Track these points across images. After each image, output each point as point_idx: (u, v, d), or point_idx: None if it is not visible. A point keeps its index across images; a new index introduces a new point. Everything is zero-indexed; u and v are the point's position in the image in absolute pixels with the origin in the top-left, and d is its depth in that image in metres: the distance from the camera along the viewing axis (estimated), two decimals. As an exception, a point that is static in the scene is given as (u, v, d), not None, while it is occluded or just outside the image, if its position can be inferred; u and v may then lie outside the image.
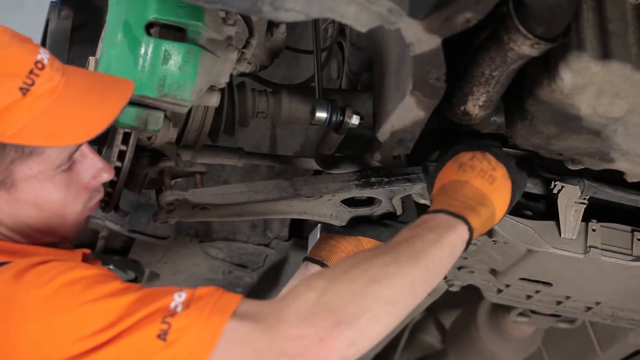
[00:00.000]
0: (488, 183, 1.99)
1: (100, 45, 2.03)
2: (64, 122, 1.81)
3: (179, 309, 1.64)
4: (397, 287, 1.71)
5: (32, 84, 1.76)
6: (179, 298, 1.65)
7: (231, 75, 2.11)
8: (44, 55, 1.79)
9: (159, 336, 1.61)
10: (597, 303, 2.70)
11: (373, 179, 2.19)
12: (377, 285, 1.69)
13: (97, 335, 1.61)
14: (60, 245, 1.95)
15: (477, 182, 1.99)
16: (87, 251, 1.97)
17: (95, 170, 1.93)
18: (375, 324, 1.67)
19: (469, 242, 1.90)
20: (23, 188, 1.84)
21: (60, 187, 1.88)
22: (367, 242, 2.31)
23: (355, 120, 2.16)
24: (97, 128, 1.83)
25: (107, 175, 1.94)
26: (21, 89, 1.76)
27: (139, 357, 1.61)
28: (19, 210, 1.86)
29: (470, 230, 1.88)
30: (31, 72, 1.76)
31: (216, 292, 1.68)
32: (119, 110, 1.84)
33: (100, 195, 2.00)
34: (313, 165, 2.37)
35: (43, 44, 3.45)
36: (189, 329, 1.62)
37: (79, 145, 1.89)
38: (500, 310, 3.67)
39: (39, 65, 1.78)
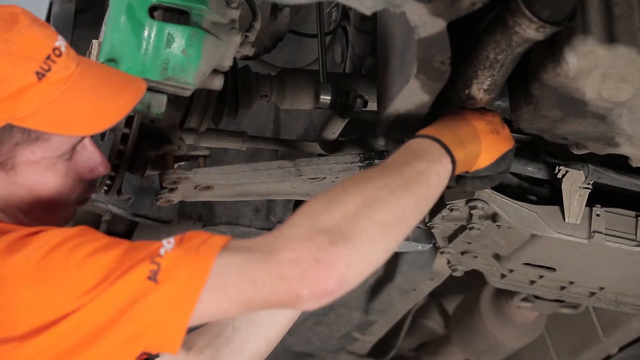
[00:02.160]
0: (489, 131, 1.99)
1: (103, 28, 2.03)
2: (75, 112, 1.80)
3: (169, 251, 1.63)
4: (389, 210, 1.71)
5: (49, 70, 1.76)
6: (168, 245, 1.64)
7: (235, 58, 2.10)
8: (61, 42, 1.79)
9: (149, 278, 1.60)
10: (601, 288, 2.69)
11: (377, 161, 2.19)
12: (370, 209, 1.69)
13: (92, 291, 1.61)
14: None
15: (479, 125, 1.98)
16: None
17: (94, 164, 1.92)
18: (372, 246, 1.67)
19: (452, 175, 1.88)
20: (22, 172, 1.84)
21: (59, 176, 1.88)
22: None
23: (359, 103, 2.16)
24: (107, 122, 1.83)
25: (103, 170, 1.94)
26: (37, 73, 1.76)
27: (130, 301, 1.60)
28: (12, 193, 1.85)
29: (454, 162, 1.87)
30: (48, 57, 1.76)
31: (205, 233, 1.67)
32: (130, 108, 1.84)
33: (92, 192, 2.00)
34: (317, 149, 2.36)
35: (46, 26, 3.44)
36: (179, 267, 1.61)
37: (84, 137, 1.89)
38: (503, 295, 3.68)
39: (57, 52, 1.78)
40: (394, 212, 1.72)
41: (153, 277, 1.60)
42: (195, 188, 2.14)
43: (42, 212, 1.89)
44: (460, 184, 2.08)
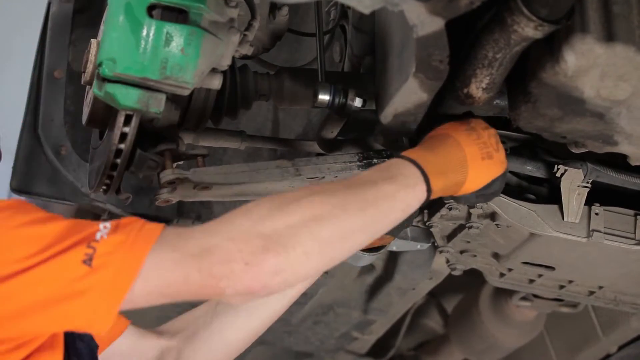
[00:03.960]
0: (480, 157, 1.98)
1: (102, 27, 2.03)
2: None
3: (105, 236, 1.67)
4: (335, 230, 1.72)
5: None
6: (104, 229, 1.67)
7: (233, 57, 2.10)
8: None
9: (84, 261, 1.63)
10: (600, 287, 2.70)
11: (375, 161, 2.18)
12: (315, 224, 1.71)
13: (27, 259, 1.63)
14: None
15: (469, 150, 1.97)
16: None
17: None
18: (306, 261, 1.69)
19: (427, 200, 1.89)
20: None
21: None
22: None
23: (357, 102, 2.16)
24: None
25: None
26: None
27: (63, 282, 1.63)
28: None
29: (429, 191, 1.88)
30: None
31: (140, 220, 1.71)
32: None
33: None
34: (316, 148, 2.36)
35: (44, 26, 3.45)
36: (114, 254, 1.64)
37: None
38: (502, 294, 3.68)
39: None
40: (341, 231, 1.74)
41: (88, 261, 1.63)
42: (194, 188, 2.14)
43: None
44: (455, 199, 2.09)
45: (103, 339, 2.18)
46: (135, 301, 1.67)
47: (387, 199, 1.81)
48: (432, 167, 1.90)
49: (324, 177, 2.18)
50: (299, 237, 1.69)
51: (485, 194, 2.03)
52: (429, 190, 1.87)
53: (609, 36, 1.82)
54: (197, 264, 1.65)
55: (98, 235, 1.66)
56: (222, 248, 1.66)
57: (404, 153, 1.93)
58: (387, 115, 2.06)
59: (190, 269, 1.65)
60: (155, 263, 1.65)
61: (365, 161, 2.19)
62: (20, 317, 1.65)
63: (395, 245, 2.68)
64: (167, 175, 2.11)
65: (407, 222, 2.27)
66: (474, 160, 1.97)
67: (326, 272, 2.72)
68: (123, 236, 1.67)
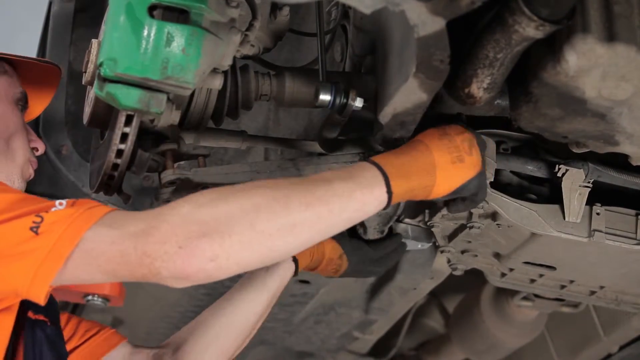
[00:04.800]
0: (450, 160, 1.99)
1: (102, 27, 2.03)
2: None
3: (58, 210, 1.77)
4: (274, 222, 1.75)
5: None
6: (59, 205, 1.78)
7: (234, 57, 2.10)
8: None
9: (31, 228, 1.74)
10: (601, 287, 2.69)
11: None
12: (255, 214, 1.74)
13: None
14: None
15: (439, 154, 1.99)
16: None
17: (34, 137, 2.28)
18: (243, 249, 1.72)
19: (387, 205, 1.90)
20: None
21: (18, 117, 2.22)
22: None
23: (358, 102, 2.16)
24: None
25: (40, 150, 2.26)
26: None
27: (9, 245, 1.73)
28: None
29: (390, 193, 1.89)
30: None
31: (94, 202, 1.80)
32: None
33: (31, 171, 2.24)
34: (317, 148, 2.36)
35: (46, 26, 3.45)
36: (57, 224, 1.73)
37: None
38: (503, 294, 3.68)
39: None
40: (281, 225, 1.76)
41: (35, 228, 1.73)
42: (195, 187, 2.14)
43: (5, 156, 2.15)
44: (447, 207, 2.13)
45: (96, 350, 2.26)
46: (75, 273, 1.74)
47: (340, 197, 1.83)
48: (394, 170, 1.92)
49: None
50: (236, 226, 1.72)
51: (464, 196, 2.05)
52: (389, 192, 1.89)
53: (610, 36, 1.81)
54: (134, 242, 1.71)
55: (52, 209, 1.76)
56: (159, 229, 1.71)
57: (372, 157, 1.96)
58: (385, 115, 2.06)
59: (126, 246, 1.71)
60: (94, 236, 1.73)
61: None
62: None
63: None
64: (168, 175, 2.11)
65: (395, 257, 2.32)
66: (443, 164, 1.98)
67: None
68: (72, 210, 1.76)
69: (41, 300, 1.76)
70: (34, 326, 2.07)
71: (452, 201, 2.10)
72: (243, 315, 2.37)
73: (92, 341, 2.39)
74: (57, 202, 1.79)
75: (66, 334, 2.30)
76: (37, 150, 2.30)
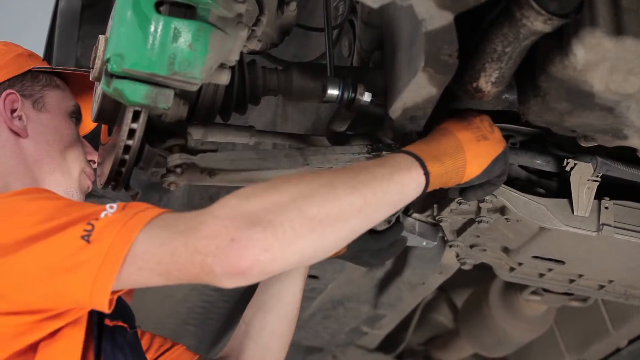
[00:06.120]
0: (474, 139, 1.99)
1: (110, 23, 2.03)
2: None
3: (109, 215, 1.74)
4: (324, 207, 1.72)
5: None
6: (110, 209, 1.75)
7: (241, 53, 2.10)
8: None
9: (82, 237, 1.70)
10: (610, 281, 2.69)
11: (384, 153, 2.18)
12: (303, 201, 1.71)
13: (33, 227, 1.72)
14: None
15: (462, 135, 1.99)
16: None
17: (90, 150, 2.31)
18: (295, 237, 1.68)
19: (426, 187, 1.89)
20: (50, 112, 2.24)
21: (72, 130, 2.27)
22: None
23: (367, 97, 2.15)
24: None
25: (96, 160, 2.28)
26: None
27: (63, 257, 1.70)
28: (43, 136, 2.20)
29: (427, 174, 1.88)
30: None
31: (145, 204, 1.77)
32: None
33: (88, 183, 2.28)
34: (325, 143, 2.36)
35: (53, 22, 3.46)
36: (108, 230, 1.70)
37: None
38: (512, 288, 3.68)
39: None
40: (330, 210, 1.73)
41: (86, 237, 1.69)
42: (201, 172, 2.14)
43: (61, 167, 2.21)
44: (463, 195, 2.10)
45: None
46: (132, 277, 1.71)
47: (381, 180, 1.82)
48: (426, 154, 1.92)
49: (331, 168, 2.18)
50: (286, 214, 1.69)
51: (491, 178, 2.04)
52: (426, 173, 1.89)
53: (618, 30, 1.81)
54: (184, 239, 1.67)
55: (102, 214, 1.73)
56: (208, 224, 1.67)
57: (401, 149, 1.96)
58: (396, 110, 2.06)
59: (177, 245, 1.67)
60: (145, 239, 1.69)
61: (374, 153, 2.19)
62: (21, 289, 1.72)
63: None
64: (175, 159, 2.11)
65: (394, 251, 2.33)
66: (469, 143, 1.98)
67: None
68: (122, 215, 1.73)
69: (105, 309, 1.72)
70: (114, 332, 2.04)
71: (469, 188, 2.08)
72: (287, 305, 2.34)
73: (167, 356, 2.37)
74: (108, 205, 1.75)
75: (142, 345, 2.27)
76: (94, 162, 2.30)
